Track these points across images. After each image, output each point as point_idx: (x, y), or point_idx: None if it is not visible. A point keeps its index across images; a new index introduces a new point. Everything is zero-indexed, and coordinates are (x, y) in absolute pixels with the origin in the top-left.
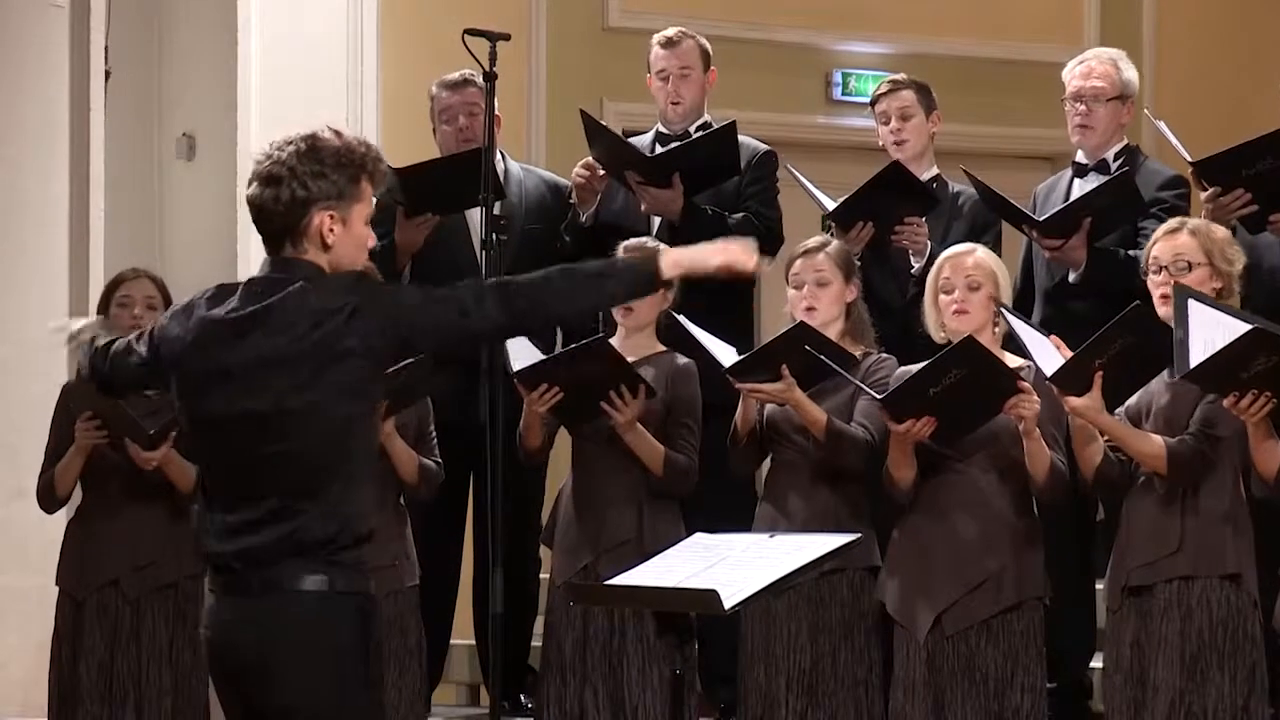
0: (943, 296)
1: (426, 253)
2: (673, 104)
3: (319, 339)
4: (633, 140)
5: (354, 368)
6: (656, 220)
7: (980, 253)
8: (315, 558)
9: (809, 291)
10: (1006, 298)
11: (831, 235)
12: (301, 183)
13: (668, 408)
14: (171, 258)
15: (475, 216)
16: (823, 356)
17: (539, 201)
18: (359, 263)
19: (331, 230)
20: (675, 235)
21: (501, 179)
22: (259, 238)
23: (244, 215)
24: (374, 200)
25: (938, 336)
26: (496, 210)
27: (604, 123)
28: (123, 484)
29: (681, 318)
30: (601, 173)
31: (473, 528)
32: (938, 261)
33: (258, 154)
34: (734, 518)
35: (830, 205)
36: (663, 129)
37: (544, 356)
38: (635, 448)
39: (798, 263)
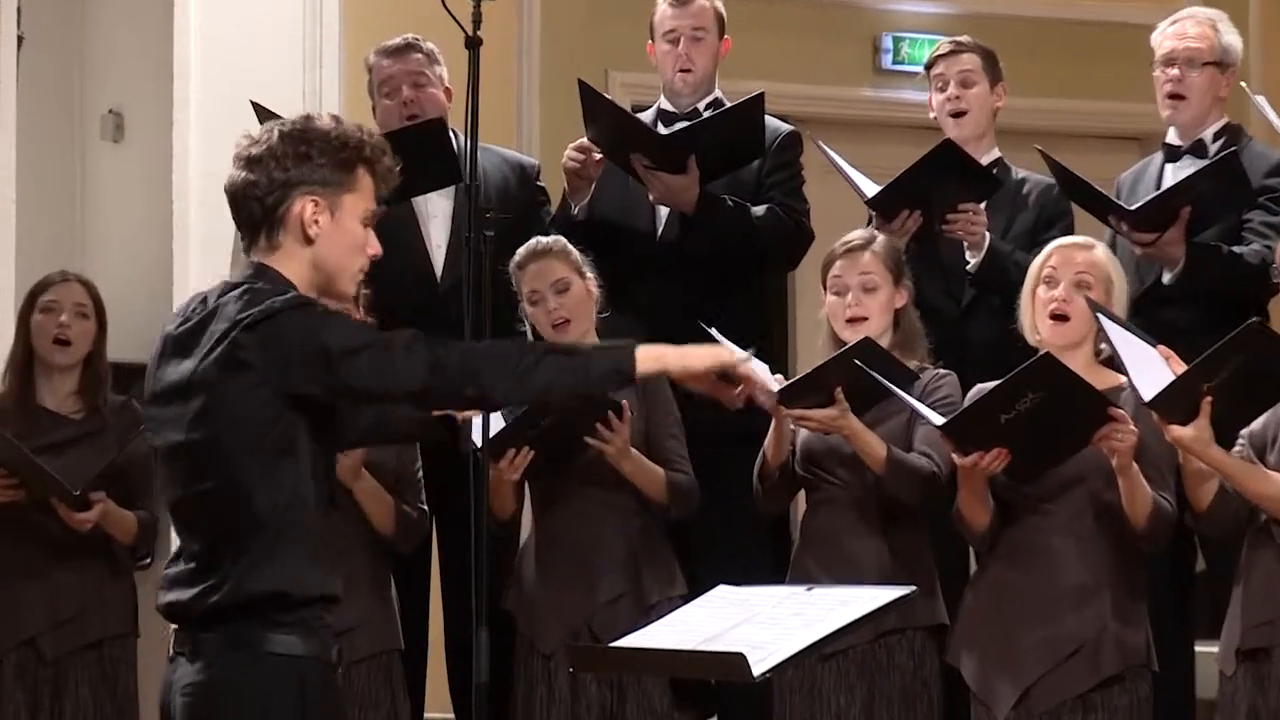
0: (1042, 291)
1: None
2: (681, 71)
3: (217, 357)
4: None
5: (255, 393)
6: (664, 213)
7: (1100, 250)
8: (246, 618)
9: (854, 298)
10: (1120, 311)
11: (873, 226)
12: (281, 164)
13: (646, 423)
14: (95, 255)
15: (427, 208)
16: (879, 377)
17: (501, 186)
18: (350, 270)
19: (315, 221)
20: (688, 230)
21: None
22: (196, 236)
23: (181, 206)
24: (374, 199)
25: (1032, 339)
26: (460, 198)
27: (607, 95)
28: (42, 533)
29: (714, 331)
30: (598, 156)
31: (440, 582)
32: (1046, 249)
33: (239, 138)
34: (756, 566)
35: (871, 190)
36: (666, 105)
37: (506, 422)
38: (634, 477)
39: (839, 264)
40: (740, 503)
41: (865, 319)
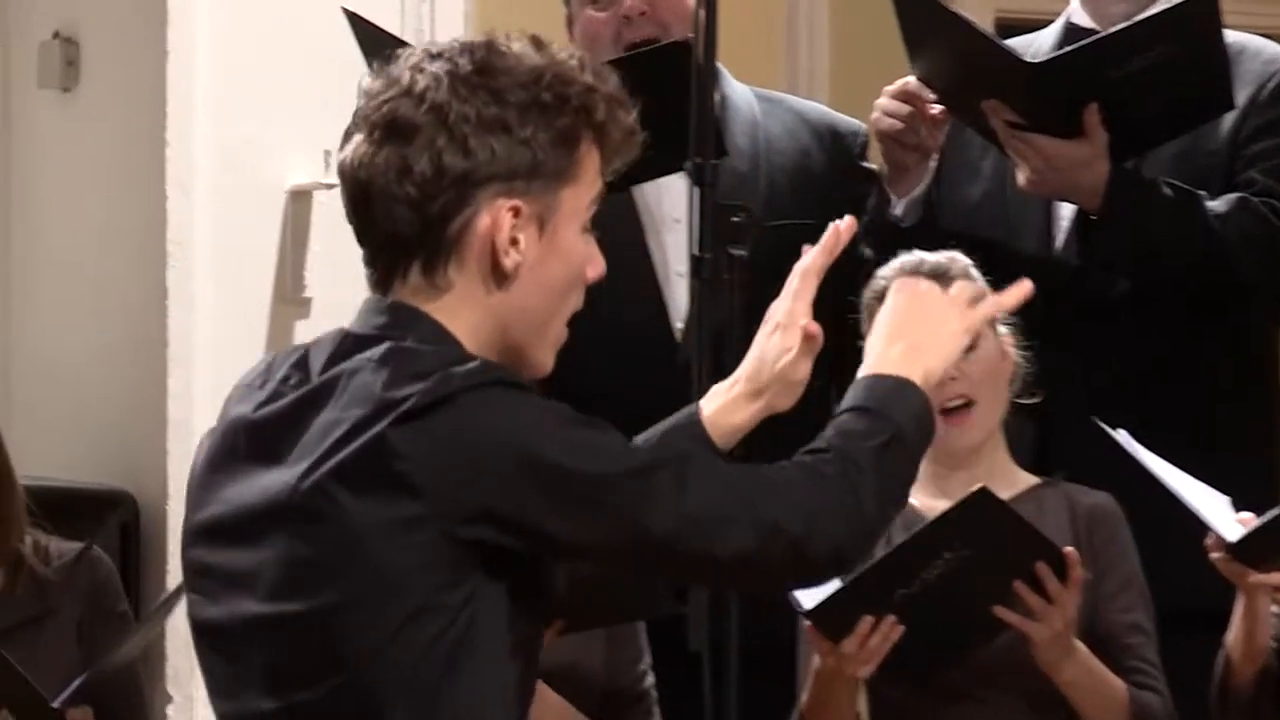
0: None
1: None
2: None
3: (342, 465)
4: (1014, 43)
5: (414, 537)
6: (1065, 214)
7: None
8: None
9: None
10: None
11: None
12: (458, 137)
13: (1093, 589)
14: (31, 285)
15: (661, 205)
16: None
17: (797, 162)
18: (559, 322)
19: (514, 242)
20: (1090, 234)
21: (717, 119)
22: (207, 251)
23: (180, 200)
24: (599, 186)
25: None
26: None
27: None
28: None
29: (1124, 436)
30: (935, 109)
31: None
32: None
33: (364, 80)
34: None
35: None
36: (1081, 18)
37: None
38: (1073, 690)
39: None
40: None
41: None
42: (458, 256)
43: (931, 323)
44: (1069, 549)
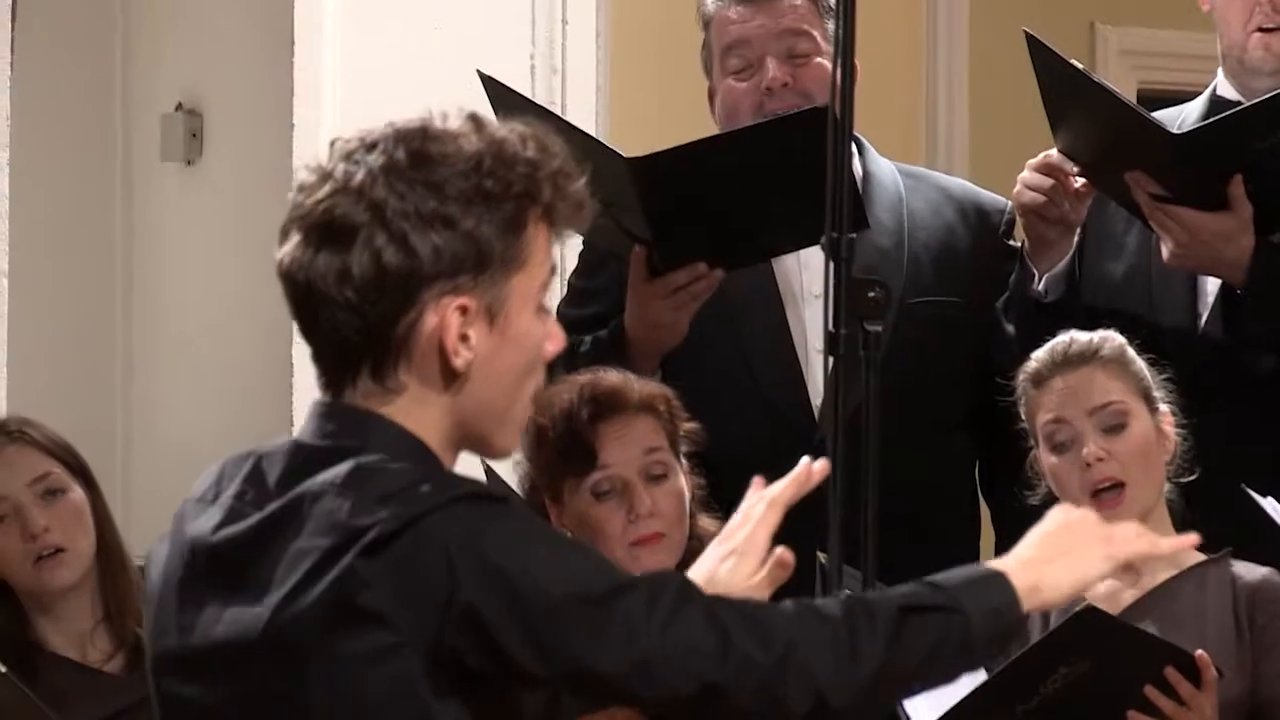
0: None
1: (685, 359)
2: (1261, 31)
3: (318, 602)
4: (1159, 115)
5: (389, 666)
6: (1210, 289)
7: None
8: None
9: None
10: None
11: None
12: (399, 238)
13: (1252, 677)
14: (152, 366)
15: (801, 280)
16: None
17: (940, 239)
18: (519, 407)
19: (465, 339)
20: (1236, 309)
21: (859, 192)
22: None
23: None
24: (553, 258)
25: None
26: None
27: (1079, 64)
28: None
29: (1271, 503)
30: (1078, 181)
31: None
32: None
33: (301, 172)
34: None
35: None
36: (1229, 90)
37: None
38: None
39: None
40: None
41: None
42: (406, 358)
43: (1075, 542)
44: (1199, 653)
